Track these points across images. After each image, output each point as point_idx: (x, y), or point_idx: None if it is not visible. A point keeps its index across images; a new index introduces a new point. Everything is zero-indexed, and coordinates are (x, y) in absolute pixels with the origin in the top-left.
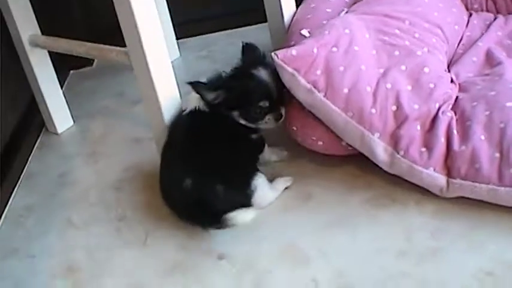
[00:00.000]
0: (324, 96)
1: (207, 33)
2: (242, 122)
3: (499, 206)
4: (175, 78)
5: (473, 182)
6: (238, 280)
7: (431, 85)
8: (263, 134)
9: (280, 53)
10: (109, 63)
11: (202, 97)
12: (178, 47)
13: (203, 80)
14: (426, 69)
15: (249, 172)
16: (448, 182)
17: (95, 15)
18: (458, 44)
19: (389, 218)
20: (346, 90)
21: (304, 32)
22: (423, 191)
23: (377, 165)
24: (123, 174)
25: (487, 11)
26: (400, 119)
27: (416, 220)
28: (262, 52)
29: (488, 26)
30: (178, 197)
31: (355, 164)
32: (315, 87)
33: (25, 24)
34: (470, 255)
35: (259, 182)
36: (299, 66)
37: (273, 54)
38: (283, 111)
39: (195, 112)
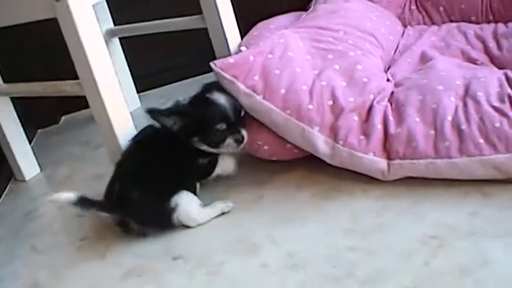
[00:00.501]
0: (263, 98)
1: (166, 84)
2: (203, 147)
3: (439, 181)
4: (136, 126)
5: (411, 159)
6: (192, 275)
7: (365, 79)
8: (214, 159)
9: (218, 61)
10: (75, 118)
11: (160, 124)
12: (140, 99)
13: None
14: (359, 67)
15: (175, 188)
16: (388, 164)
17: (54, 57)
18: (395, 52)
19: (336, 206)
20: (283, 91)
21: (243, 48)
22: (368, 180)
23: (323, 164)
24: None
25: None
26: (337, 111)
27: (362, 204)
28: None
29: (422, 34)
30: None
31: (303, 166)
32: (253, 91)
33: None
34: (414, 224)
35: (183, 199)
36: (237, 73)
37: (211, 63)
38: (244, 133)
39: (152, 128)
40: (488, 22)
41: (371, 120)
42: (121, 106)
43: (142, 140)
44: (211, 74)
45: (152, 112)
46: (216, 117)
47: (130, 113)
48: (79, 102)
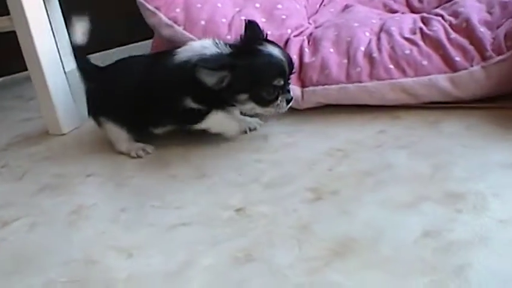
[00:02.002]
0: (184, 29)
1: (104, 50)
2: (248, 106)
3: (352, 107)
4: (71, 84)
5: (323, 85)
6: (103, 187)
7: (284, 16)
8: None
9: None
10: (13, 79)
11: (204, 81)
12: None
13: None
14: (279, 6)
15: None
16: (302, 92)
17: None
18: (320, 6)
19: (249, 134)
20: (203, 22)
21: None
22: None
23: None
24: (10, 140)
25: None
26: None
27: (275, 129)
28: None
29: None
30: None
31: None
32: (175, 22)
33: None
34: (322, 141)
35: None
36: (160, 5)
37: None
38: (292, 92)
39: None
40: None
41: (287, 51)
42: (50, 42)
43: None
44: (149, 41)
45: (197, 66)
46: (276, 72)
47: (66, 72)
48: (18, 63)
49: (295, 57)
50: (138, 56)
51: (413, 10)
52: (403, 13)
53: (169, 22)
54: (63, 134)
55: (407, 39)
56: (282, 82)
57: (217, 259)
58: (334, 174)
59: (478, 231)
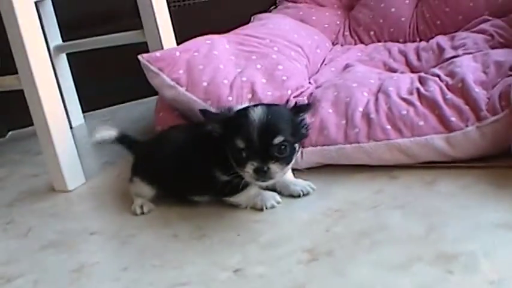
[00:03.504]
0: (186, 90)
1: (112, 105)
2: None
3: (350, 167)
4: (77, 138)
5: (322, 146)
6: (106, 245)
7: (284, 77)
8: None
9: (146, 54)
10: (21, 133)
11: (208, 126)
12: (84, 117)
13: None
14: (280, 67)
15: None
16: (301, 152)
17: None
18: (321, 64)
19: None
20: (205, 84)
21: None
22: None
23: None
24: (17, 196)
25: None
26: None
27: None
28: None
29: (349, 49)
30: None
31: None
32: (177, 83)
33: None
34: (321, 201)
35: None
36: (163, 66)
37: (139, 56)
38: (273, 168)
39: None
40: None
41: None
42: (56, 101)
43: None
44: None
45: (204, 112)
46: (238, 132)
47: (73, 127)
48: (27, 119)
49: None
50: (180, 125)
51: (412, 69)
52: (402, 72)
53: (172, 83)
54: (69, 191)
55: (404, 99)
56: (243, 146)
57: None
58: (330, 234)
59: None
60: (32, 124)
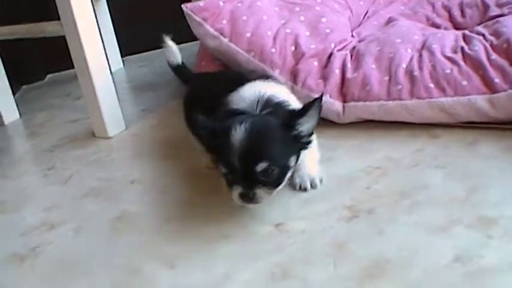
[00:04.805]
0: (230, 40)
1: (149, 50)
2: None
3: (391, 124)
4: (116, 83)
5: (365, 101)
6: (146, 194)
7: (328, 30)
8: None
9: (189, 4)
10: (60, 76)
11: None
12: (123, 61)
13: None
14: (324, 19)
15: None
16: (343, 106)
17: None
18: (364, 17)
19: None
20: (248, 34)
21: None
22: (323, 123)
23: None
24: (58, 141)
25: None
26: (298, 56)
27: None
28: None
29: (392, 3)
30: None
31: None
32: (221, 33)
33: None
34: (361, 158)
35: None
36: (206, 16)
37: (183, 5)
38: (257, 193)
39: None
40: None
41: (330, 65)
42: (98, 46)
43: None
44: (194, 42)
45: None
46: (220, 154)
47: (112, 72)
48: (65, 62)
49: (337, 72)
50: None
51: (455, 25)
52: (445, 28)
53: (216, 33)
54: (109, 138)
55: (448, 58)
56: (226, 171)
57: (255, 274)
58: (371, 192)
59: (508, 258)
60: (70, 67)
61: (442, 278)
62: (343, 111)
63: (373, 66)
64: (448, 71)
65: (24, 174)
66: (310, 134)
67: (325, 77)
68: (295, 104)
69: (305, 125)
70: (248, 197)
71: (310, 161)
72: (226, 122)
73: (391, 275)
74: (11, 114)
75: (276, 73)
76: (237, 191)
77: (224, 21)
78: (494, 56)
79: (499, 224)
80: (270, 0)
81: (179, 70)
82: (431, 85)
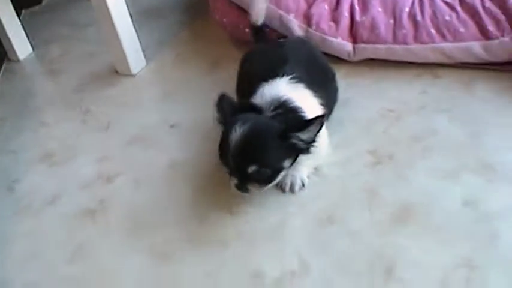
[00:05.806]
0: None
1: None
2: None
3: (397, 63)
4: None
5: (374, 44)
6: (190, 139)
7: None
8: None
9: None
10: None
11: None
12: None
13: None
14: None
15: None
16: (354, 47)
17: None
18: None
19: None
20: None
21: None
22: (335, 60)
23: None
24: (81, 80)
25: None
26: (310, 1)
27: None
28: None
29: None
30: None
31: None
32: None
33: None
34: (374, 99)
35: None
36: None
37: None
38: (250, 188)
39: None
40: None
41: (339, 9)
42: None
43: None
44: None
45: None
46: (220, 148)
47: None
48: None
49: (346, 15)
50: None
51: None
52: None
53: None
54: (133, 75)
55: (447, 3)
56: (224, 163)
57: (305, 221)
58: (388, 137)
59: (508, 202)
60: None
61: (456, 222)
62: (354, 51)
63: (379, 9)
64: (448, 17)
65: (62, 120)
66: (312, 141)
67: (336, 20)
68: (311, 111)
69: (305, 136)
70: (241, 189)
71: (310, 162)
72: (232, 118)
73: (416, 219)
74: (24, 48)
75: (291, 17)
76: (233, 181)
77: None
78: (488, 3)
79: (495, 169)
80: None
81: (257, 33)
82: (433, 31)
